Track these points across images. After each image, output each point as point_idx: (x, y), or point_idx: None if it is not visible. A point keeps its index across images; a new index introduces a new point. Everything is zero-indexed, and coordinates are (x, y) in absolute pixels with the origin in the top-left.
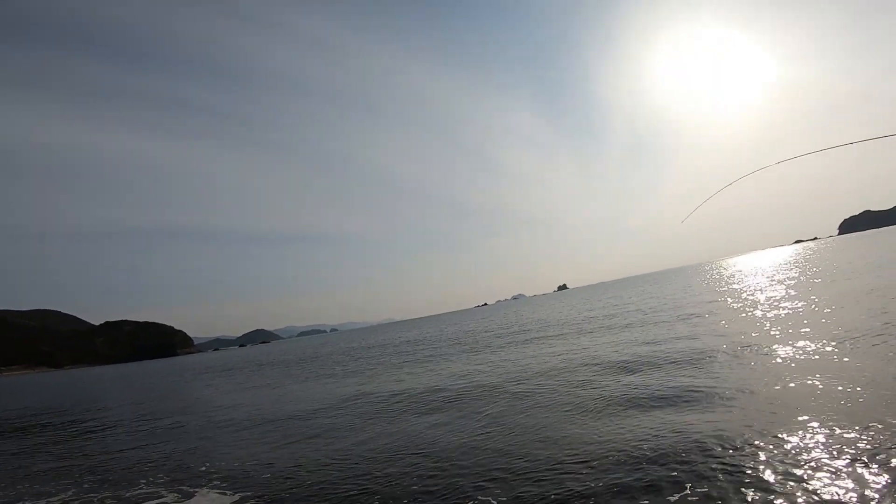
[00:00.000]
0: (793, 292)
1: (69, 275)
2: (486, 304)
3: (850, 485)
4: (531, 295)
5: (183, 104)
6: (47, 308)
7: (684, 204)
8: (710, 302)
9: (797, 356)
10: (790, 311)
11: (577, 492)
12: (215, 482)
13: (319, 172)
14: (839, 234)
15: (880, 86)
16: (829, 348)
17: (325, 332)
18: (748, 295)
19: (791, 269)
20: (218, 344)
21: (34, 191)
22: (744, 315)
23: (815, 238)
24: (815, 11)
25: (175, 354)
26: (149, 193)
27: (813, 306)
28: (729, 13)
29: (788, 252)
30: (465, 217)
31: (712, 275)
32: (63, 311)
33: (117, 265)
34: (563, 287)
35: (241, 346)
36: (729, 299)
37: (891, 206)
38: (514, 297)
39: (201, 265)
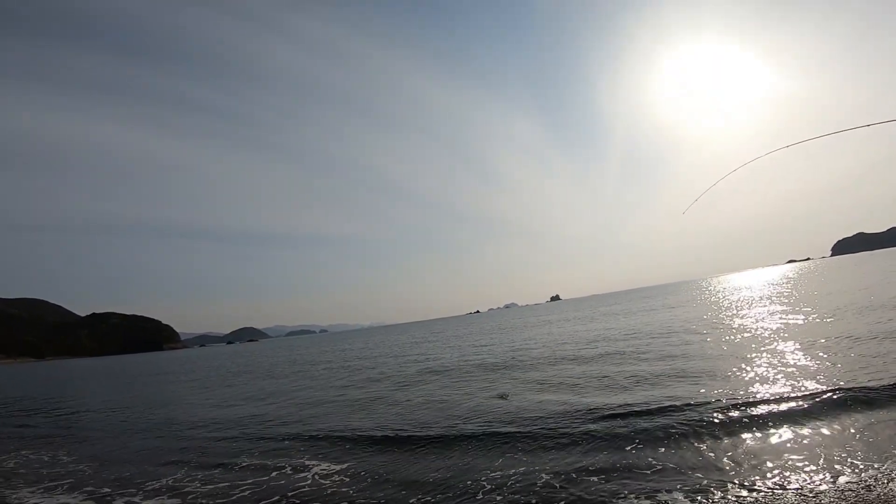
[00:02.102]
0: (781, 316)
1: (61, 266)
2: (478, 311)
3: None
4: (524, 304)
5: (185, 101)
6: (35, 297)
7: (684, 218)
8: (699, 327)
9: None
10: (777, 344)
11: None
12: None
13: (319, 174)
14: (832, 255)
15: (887, 99)
16: (817, 391)
17: (314, 332)
18: (739, 319)
19: (782, 290)
20: (205, 340)
21: (33, 183)
22: (731, 346)
23: (808, 258)
24: (819, 26)
25: (160, 349)
26: (147, 189)
27: (803, 336)
28: (732, 29)
29: (781, 272)
30: (461, 223)
31: (705, 293)
32: (51, 301)
33: (111, 258)
34: (555, 298)
35: (229, 343)
36: (719, 329)
37: (885, 229)
38: (507, 306)
39: (196, 262)
